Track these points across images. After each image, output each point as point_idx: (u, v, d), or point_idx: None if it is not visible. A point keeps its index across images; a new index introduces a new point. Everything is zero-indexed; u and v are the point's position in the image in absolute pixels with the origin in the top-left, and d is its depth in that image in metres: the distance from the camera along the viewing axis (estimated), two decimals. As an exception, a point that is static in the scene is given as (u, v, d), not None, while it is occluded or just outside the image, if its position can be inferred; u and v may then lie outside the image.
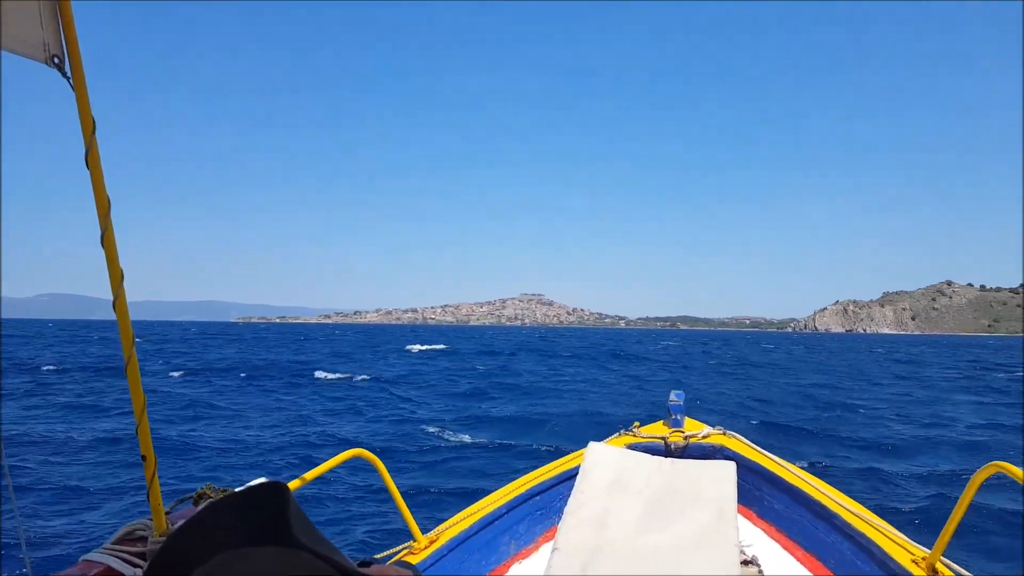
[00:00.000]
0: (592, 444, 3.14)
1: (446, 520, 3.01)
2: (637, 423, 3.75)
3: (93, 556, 1.21)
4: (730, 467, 2.91)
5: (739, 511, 2.86)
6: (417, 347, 50.63)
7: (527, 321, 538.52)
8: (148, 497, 1.30)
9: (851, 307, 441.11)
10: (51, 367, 24.26)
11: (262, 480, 0.55)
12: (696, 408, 14.76)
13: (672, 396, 3.75)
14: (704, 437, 3.51)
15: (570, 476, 3.21)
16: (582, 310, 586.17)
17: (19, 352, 34.02)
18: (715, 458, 3.29)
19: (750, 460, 3.35)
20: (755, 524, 3.22)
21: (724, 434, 3.58)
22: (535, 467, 3.53)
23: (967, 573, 2.31)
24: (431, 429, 12.51)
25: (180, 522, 0.85)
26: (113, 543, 1.25)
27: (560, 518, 2.69)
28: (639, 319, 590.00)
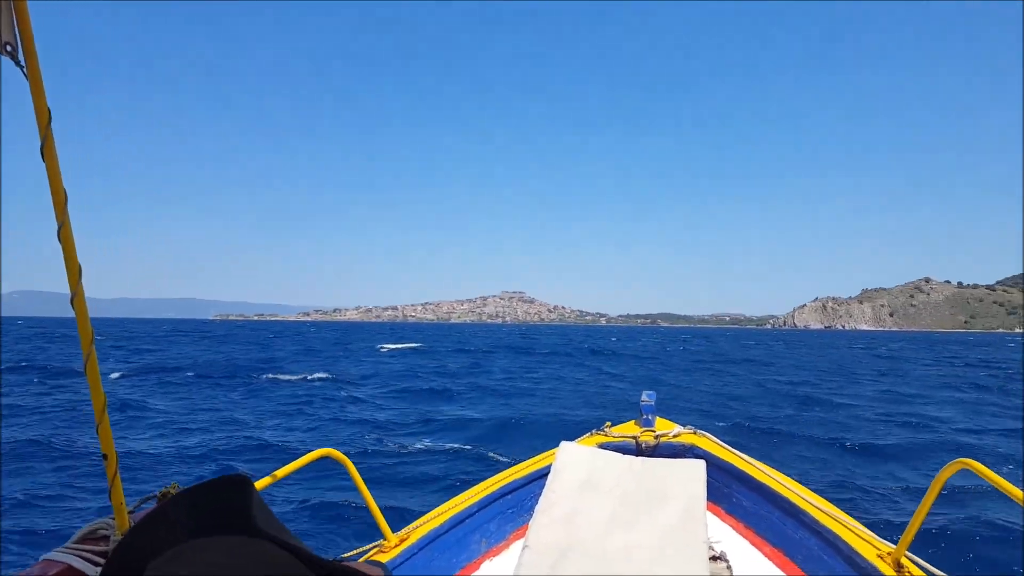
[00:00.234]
0: (564, 443, 3.22)
1: (416, 519, 2.97)
2: (608, 423, 3.75)
3: (53, 555, 1.18)
4: (700, 465, 2.98)
5: (708, 508, 2.90)
6: (390, 345, 49.01)
7: (508, 319, 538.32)
8: (110, 496, 1.26)
9: (830, 304, 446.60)
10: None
11: (225, 475, 0.55)
12: (671, 407, 13.87)
13: (644, 396, 3.77)
14: (675, 436, 3.52)
15: (542, 475, 3.21)
16: (563, 307, 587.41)
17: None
18: (685, 457, 3.35)
19: (719, 458, 3.36)
20: (724, 521, 3.22)
21: (695, 433, 3.60)
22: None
23: (931, 567, 2.31)
24: (376, 433, 11.29)
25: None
26: (74, 542, 1.22)
27: (531, 517, 2.70)
28: (620, 316, 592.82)
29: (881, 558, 2.42)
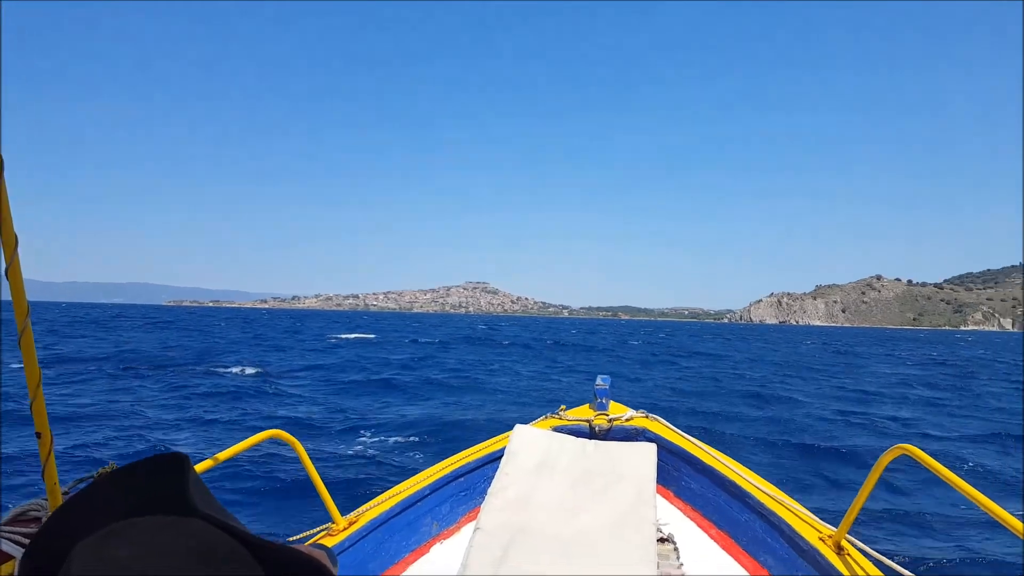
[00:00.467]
0: (518, 426, 3.29)
1: (367, 502, 2.93)
2: (563, 406, 3.81)
3: None
4: (651, 449, 3.10)
5: (658, 491, 3.05)
6: (342, 335, 47.21)
7: (471, 309, 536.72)
8: (43, 476, 1.21)
9: (785, 299, 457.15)
10: None
11: (160, 452, 0.52)
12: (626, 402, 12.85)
13: (599, 380, 3.82)
14: (627, 420, 3.59)
15: (495, 458, 3.24)
16: (526, 299, 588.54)
17: None
18: (637, 440, 3.42)
19: (670, 442, 3.42)
20: (672, 503, 3.28)
21: (647, 417, 3.66)
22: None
23: (870, 549, 2.40)
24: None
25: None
26: (4, 524, 1.17)
27: (484, 499, 2.73)
28: (582, 308, 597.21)
29: (823, 540, 2.48)
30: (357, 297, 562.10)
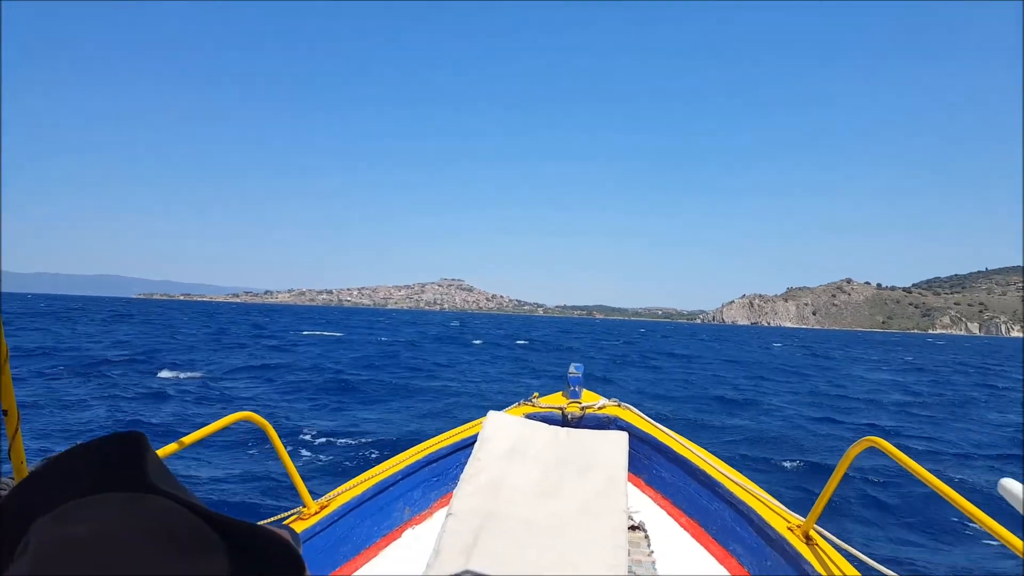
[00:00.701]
0: (491, 413, 3.31)
1: (339, 486, 2.89)
2: (536, 393, 3.83)
3: None
4: (622, 437, 3.13)
5: (629, 479, 3.05)
6: (305, 332, 45.42)
7: (446, 306, 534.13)
8: (10, 454, 1.18)
9: (757, 301, 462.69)
10: None
11: (117, 431, 0.51)
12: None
13: (571, 368, 3.81)
14: (600, 408, 3.61)
15: (468, 444, 3.26)
16: (501, 296, 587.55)
17: None
18: (609, 428, 3.45)
19: (641, 431, 3.45)
20: (643, 491, 3.29)
21: (619, 406, 3.70)
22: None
23: (837, 539, 2.43)
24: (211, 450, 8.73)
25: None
26: None
27: (456, 485, 2.76)
28: (557, 307, 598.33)
29: (791, 530, 2.52)
30: (331, 293, 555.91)
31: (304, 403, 13.16)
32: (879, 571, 2.14)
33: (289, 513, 2.71)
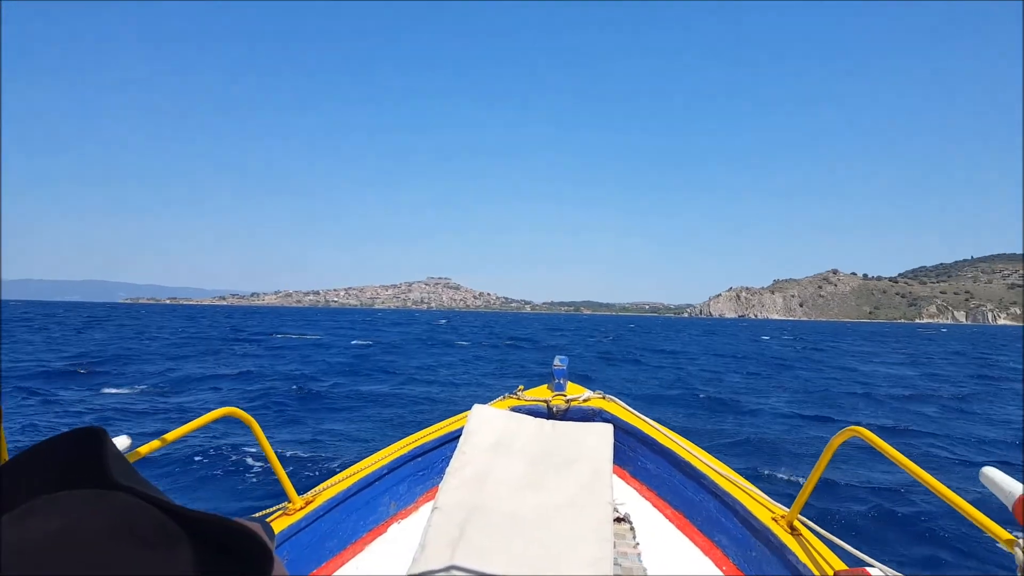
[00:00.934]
0: (476, 406, 3.30)
1: (324, 481, 2.85)
2: (521, 386, 3.86)
3: None
4: (607, 429, 3.16)
5: (614, 471, 3.11)
6: (278, 335, 43.87)
7: (433, 305, 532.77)
8: None
9: (743, 293, 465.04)
10: None
11: (76, 427, 0.50)
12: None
13: (556, 361, 3.85)
14: (585, 400, 3.63)
15: (454, 437, 3.25)
16: (489, 294, 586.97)
17: None
18: (594, 421, 3.48)
19: (626, 423, 3.44)
20: (628, 483, 3.29)
21: (604, 398, 3.71)
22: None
23: (821, 530, 2.44)
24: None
25: None
26: None
27: (442, 479, 2.78)
28: (544, 304, 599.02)
29: (776, 521, 2.53)
30: (318, 293, 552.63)
31: (267, 413, 11.97)
32: (863, 560, 2.11)
33: (274, 508, 2.66)
